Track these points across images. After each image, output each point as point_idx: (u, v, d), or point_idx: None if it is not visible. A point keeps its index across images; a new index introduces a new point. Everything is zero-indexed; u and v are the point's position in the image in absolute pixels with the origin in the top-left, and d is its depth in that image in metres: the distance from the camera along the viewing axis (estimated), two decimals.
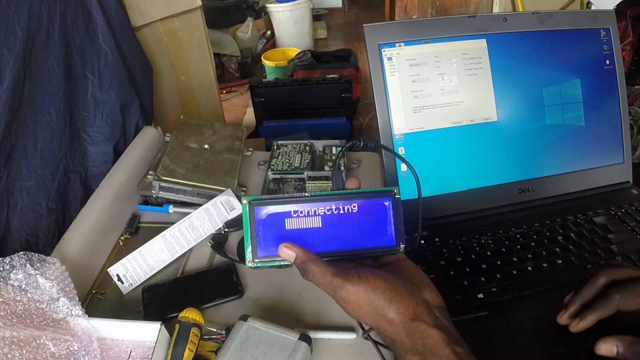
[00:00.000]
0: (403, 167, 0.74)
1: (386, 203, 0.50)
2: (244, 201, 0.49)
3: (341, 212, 0.49)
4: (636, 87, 1.99)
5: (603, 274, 0.53)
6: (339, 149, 0.95)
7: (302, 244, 0.48)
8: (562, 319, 0.55)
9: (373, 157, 0.97)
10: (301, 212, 0.49)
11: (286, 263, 0.49)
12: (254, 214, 0.49)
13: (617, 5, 1.74)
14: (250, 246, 0.49)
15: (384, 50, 0.72)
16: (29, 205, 0.76)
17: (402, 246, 0.50)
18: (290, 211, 0.49)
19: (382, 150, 0.73)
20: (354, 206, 0.49)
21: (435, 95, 0.73)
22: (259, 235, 0.49)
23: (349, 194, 0.50)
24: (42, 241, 0.77)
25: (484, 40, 0.74)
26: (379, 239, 0.50)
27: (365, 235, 0.50)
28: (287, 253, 0.48)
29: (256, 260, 0.49)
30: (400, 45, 0.72)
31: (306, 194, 0.49)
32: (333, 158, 0.92)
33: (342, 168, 0.88)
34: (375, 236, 0.50)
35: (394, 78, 0.72)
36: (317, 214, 0.49)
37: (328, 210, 0.49)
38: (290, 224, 0.49)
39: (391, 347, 0.46)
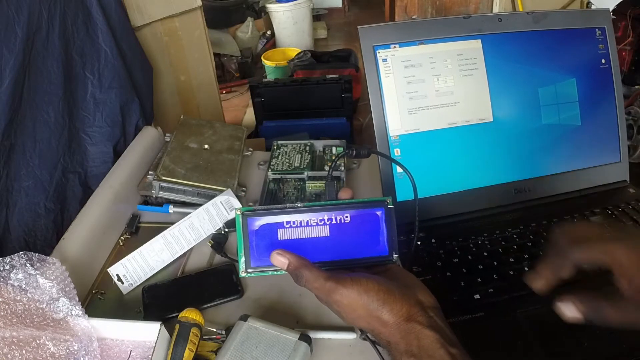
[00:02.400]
0: (399, 168, 0.74)
1: (378, 213, 0.50)
2: (237, 212, 0.49)
3: (334, 222, 0.50)
4: (636, 87, 1.99)
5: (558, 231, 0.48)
6: (339, 149, 0.95)
7: None
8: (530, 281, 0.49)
9: (373, 157, 0.97)
10: (294, 222, 0.50)
11: (279, 272, 0.50)
12: (247, 224, 0.49)
13: (617, 5, 1.74)
14: (243, 256, 0.49)
15: (378, 52, 0.72)
16: (27, 205, 0.76)
17: (395, 256, 0.51)
18: (283, 222, 0.50)
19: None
20: (347, 216, 0.50)
21: (430, 96, 0.73)
22: (252, 245, 0.49)
23: (342, 204, 0.50)
24: (40, 241, 0.77)
25: (479, 40, 0.74)
26: (372, 249, 0.50)
27: (358, 246, 0.50)
28: (280, 260, 0.48)
29: (249, 270, 0.50)
30: (394, 47, 0.72)
31: (299, 205, 0.50)
32: (333, 158, 0.92)
33: (342, 168, 0.88)
34: (368, 246, 0.50)
35: (389, 79, 0.72)
36: (309, 224, 0.50)
37: (321, 220, 0.50)
38: (283, 235, 0.50)
39: (386, 349, 0.46)
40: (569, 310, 0.44)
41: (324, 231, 0.50)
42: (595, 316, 0.44)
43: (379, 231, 0.50)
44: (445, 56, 0.73)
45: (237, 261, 0.72)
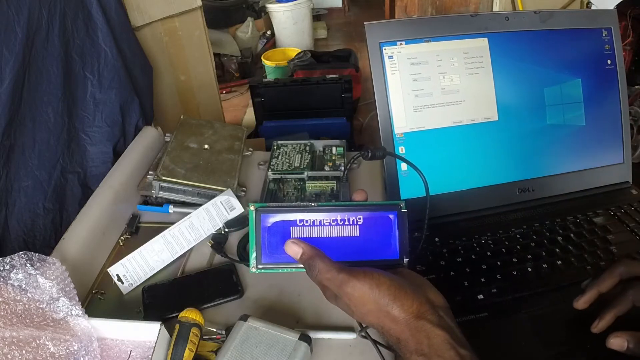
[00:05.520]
0: (403, 166, 0.74)
1: (391, 217, 0.50)
2: (251, 207, 0.49)
3: (346, 223, 0.50)
4: (636, 87, 1.99)
5: (622, 264, 0.54)
6: (339, 149, 0.94)
7: None
8: (579, 303, 0.55)
9: None
10: (307, 221, 0.50)
11: (289, 270, 0.50)
12: (260, 220, 0.49)
13: (617, 5, 1.74)
14: (254, 252, 0.49)
15: (384, 49, 0.72)
16: (27, 205, 0.76)
17: (405, 260, 0.51)
18: (296, 220, 0.50)
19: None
20: (359, 218, 0.50)
21: (436, 94, 0.73)
22: (263, 241, 0.49)
23: (355, 205, 0.50)
24: (39, 241, 0.77)
25: (486, 39, 0.74)
26: (383, 252, 0.50)
27: (370, 248, 0.50)
28: (294, 249, 0.48)
29: (260, 267, 0.50)
30: (401, 44, 0.72)
31: (313, 204, 0.50)
32: (333, 158, 0.92)
33: (342, 168, 0.88)
34: (379, 249, 0.50)
35: (395, 77, 0.72)
36: (322, 224, 0.50)
37: (333, 221, 0.50)
38: (295, 233, 0.50)
39: (395, 347, 0.46)
40: (617, 343, 0.49)
41: (336, 231, 0.50)
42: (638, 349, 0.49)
43: (391, 234, 0.50)
44: (451, 54, 0.73)
45: (237, 261, 0.73)
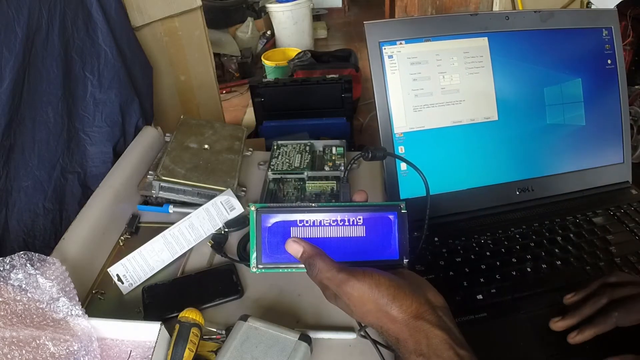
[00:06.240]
0: (403, 166, 0.74)
1: (391, 217, 0.51)
2: (252, 208, 0.50)
3: (347, 223, 0.50)
4: (636, 87, 1.99)
5: (605, 296, 0.55)
6: (339, 149, 0.94)
7: None
8: (557, 325, 0.56)
9: None
10: (307, 221, 0.50)
11: (289, 270, 0.50)
12: (261, 221, 0.49)
13: (617, 5, 1.74)
14: (255, 252, 0.50)
15: (384, 48, 0.72)
16: (26, 205, 0.76)
17: (405, 261, 0.51)
18: (297, 220, 0.50)
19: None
20: (360, 218, 0.50)
21: (436, 93, 0.73)
22: (264, 241, 0.50)
23: (356, 206, 0.51)
24: (39, 241, 0.77)
25: (486, 38, 0.74)
26: (383, 252, 0.51)
27: (370, 248, 0.50)
28: (295, 247, 0.48)
29: (260, 266, 0.50)
30: (401, 43, 0.72)
31: (313, 205, 0.50)
32: (333, 158, 0.92)
33: (342, 168, 0.88)
34: (379, 249, 0.51)
35: (395, 76, 0.72)
36: (322, 224, 0.50)
37: (334, 221, 0.50)
38: (295, 233, 0.50)
39: (394, 347, 0.46)
40: None
41: (336, 232, 0.50)
42: None
43: (391, 235, 0.51)
44: (451, 54, 0.73)
45: (237, 261, 0.73)
